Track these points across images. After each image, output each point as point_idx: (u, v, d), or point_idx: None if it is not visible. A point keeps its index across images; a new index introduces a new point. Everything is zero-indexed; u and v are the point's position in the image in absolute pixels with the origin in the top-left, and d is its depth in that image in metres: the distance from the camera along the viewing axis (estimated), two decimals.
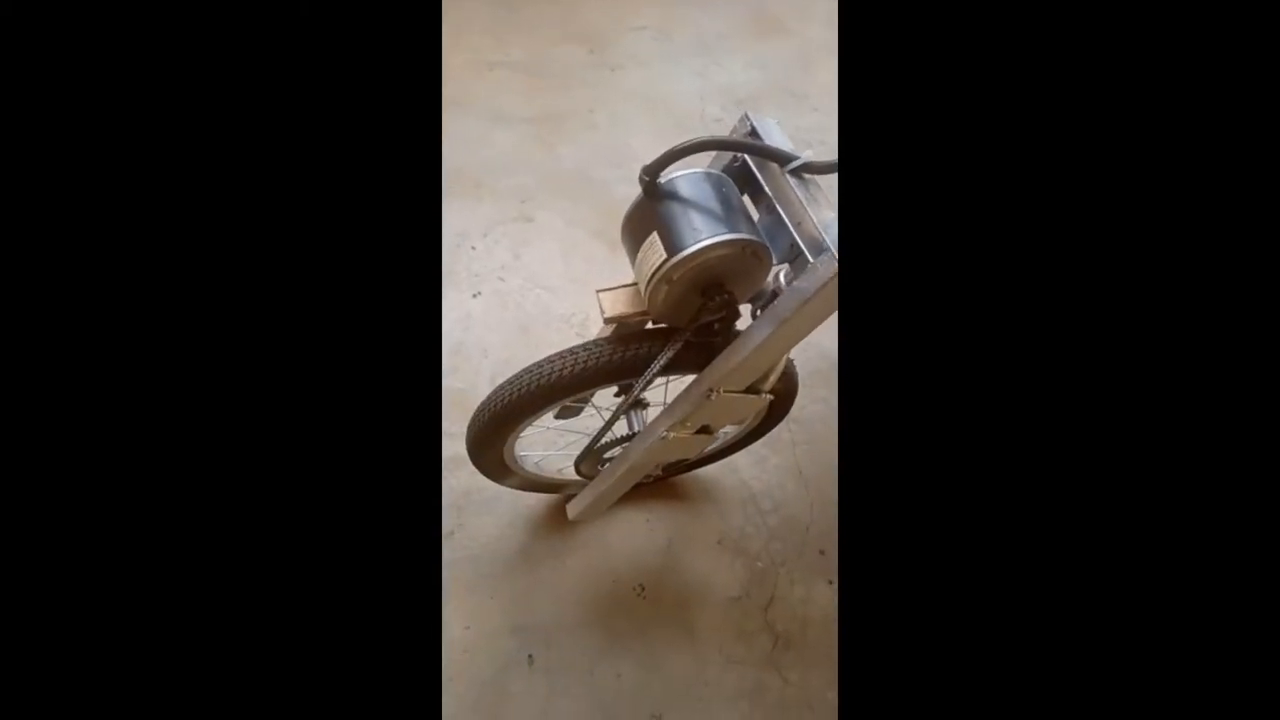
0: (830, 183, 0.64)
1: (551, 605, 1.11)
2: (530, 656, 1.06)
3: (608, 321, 0.73)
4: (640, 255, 0.65)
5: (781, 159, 0.62)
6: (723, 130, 1.88)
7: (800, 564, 1.19)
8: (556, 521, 1.18)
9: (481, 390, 1.32)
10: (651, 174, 0.63)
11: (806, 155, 0.62)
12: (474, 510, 1.17)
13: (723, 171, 0.69)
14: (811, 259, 0.60)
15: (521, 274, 1.49)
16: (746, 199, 0.70)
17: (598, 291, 0.75)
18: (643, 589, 1.14)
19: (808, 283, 0.59)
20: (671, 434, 0.77)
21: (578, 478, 1.07)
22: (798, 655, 1.11)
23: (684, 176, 0.64)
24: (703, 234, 0.61)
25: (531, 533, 1.18)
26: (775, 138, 0.66)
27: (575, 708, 1.03)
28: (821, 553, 1.21)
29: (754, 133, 0.67)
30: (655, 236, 0.63)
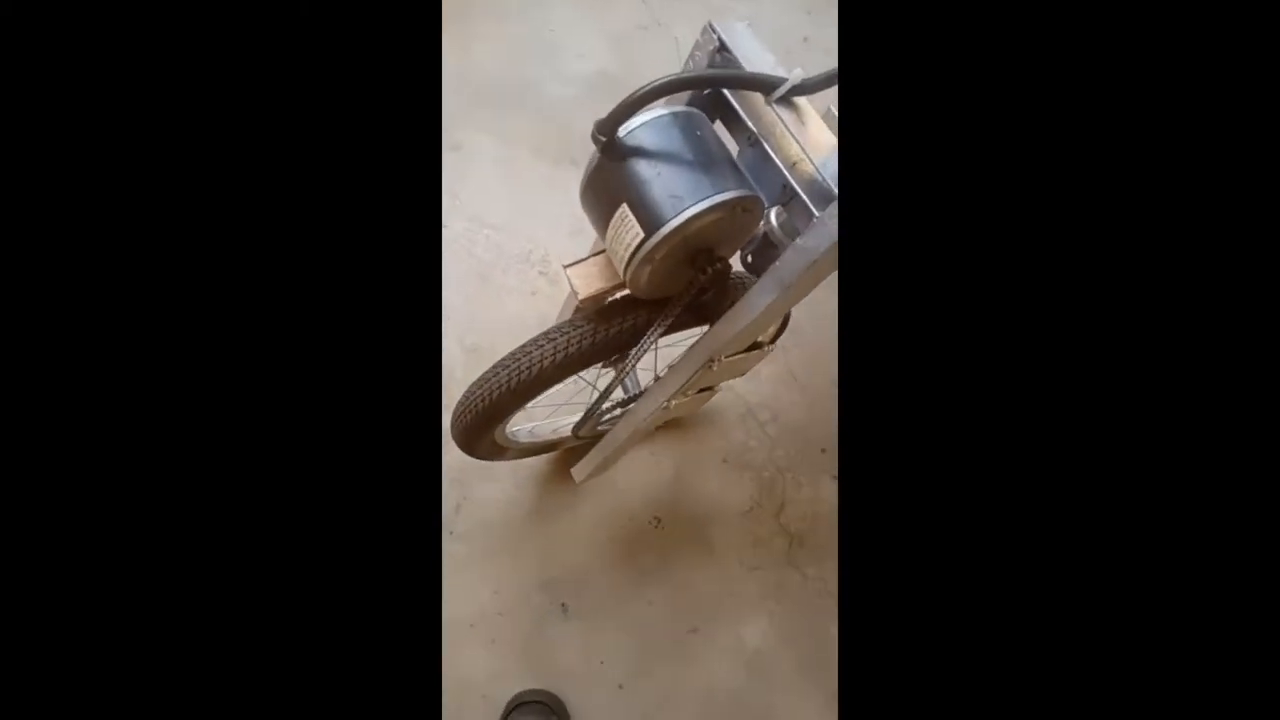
0: (823, 98, 0.53)
1: (573, 554, 1.12)
2: (564, 605, 1.09)
3: (583, 303, 0.64)
4: (611, 231, 0.55)
5: (766, 86, 0.51)
6: (677, 17, 1.64)
7: (805, 466, 1.22)
8: (561, 475, 1.16)
9: (456, 360, 1.24)
10: (608, 131, 0.51)
11: (795, 75, 0.50)
12: (476, 479, 1.15)
13: (689, 105, 0.57)
14: (815, 210, 0.51)
15: (463, 216, 1.34)
16: (720, 125, 0.58)
17: (565, 268, 0.65)
18: (659, 521, 1.16)
19: (815, 240, 0.50)
20: (674, 402, 0.72)
21: (570, 427, 1.04)
22: (812, 551, 1.16)
23: (648, 125, 0.53)
24: (685, 200, 0.51)
25: (539, 490, 1.16)
26: (750, 50, 0.54)
27: (615, 640, 1.08)
28: (823, 451, 1.23)
29: (723, 47, 0.54)
30: (626, 209, 0.53)
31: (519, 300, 1.27)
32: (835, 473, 1.22)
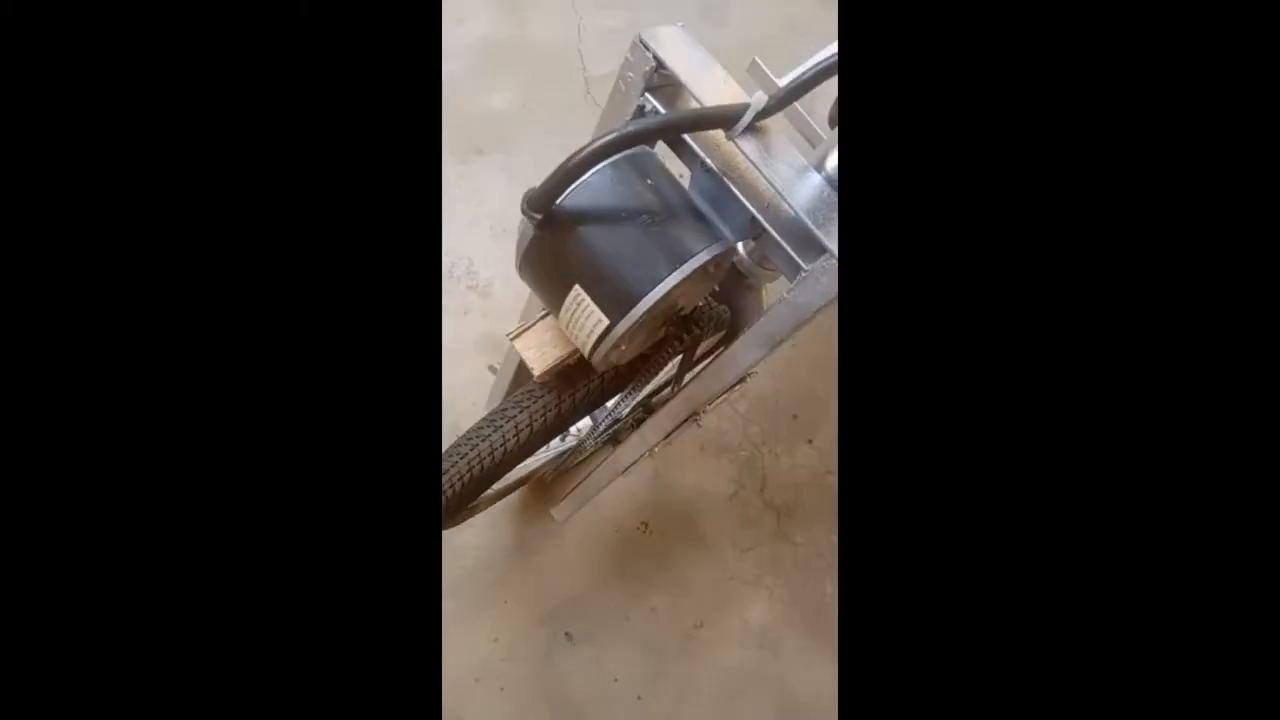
0: (782, 122, 0.44)
1: (566, 581, 1.08)
2: (567, 634, 1.06)
3: (541, 377, 0.55)
4: (566, 315, 0.46)
5: (728, 122, 0.41)
6: None
7: (779, 436, 1.20)
8: (534, 504, 1.09)
9: None
10: (542, 207, 0.41)
11: (758, 100, 0.41)
12: (447, 531, 1.06)
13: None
14: (797, 258, 0.44)
15: None
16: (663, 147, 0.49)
17: (511, 339, 0.55)
18: (646, 525, 1.12)
19: (808, 297, 0.43)
20: (658, 449, 0.65)
21: (540, 463, 0.96)
22: (799, 519, 1.16)
23: (589, 184, 0.42)
24: (654, 271, 0.42)
25: (515, 524, 1.09)
26: (693, 64, 0.43)
27: (625, 654, 1.06)
28: (795, 417, 1.21)
29: (660, 65, 0.43)
30: (579, 290, 0.44)
31: (452, 323, 1.15)
32: (810, 437, 1.21)
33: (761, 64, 1.10)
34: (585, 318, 0.44)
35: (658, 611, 1.09)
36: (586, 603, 1.07)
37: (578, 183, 0.42)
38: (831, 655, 1.09)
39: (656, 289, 0.42)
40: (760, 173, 0.43)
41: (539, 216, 0.41)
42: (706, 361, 0.58)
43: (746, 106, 0.41)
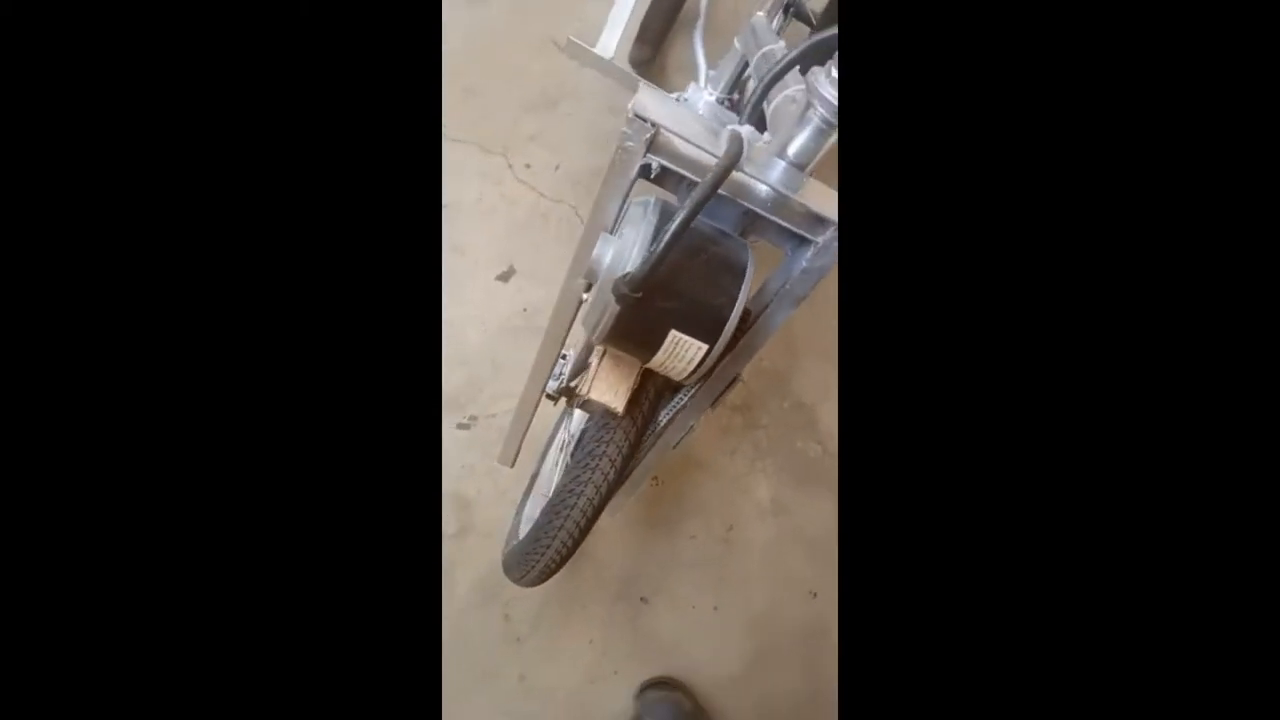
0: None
1: (616, 557, 1.18)
2: (642, 599, 1.18)
3: (626, 411, 0.62)
4: (663, 356, 0.53)
5: (738, 158, 0.49)
6: None
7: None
8: None
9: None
10: (639, 286, 0.47)
11: (749, 136, 0.49)
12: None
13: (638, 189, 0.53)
14: (814, 238, 0.55)
15: None
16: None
17: (587, 396, 0.61)
18: (656, 479, 1.25)
19: (824, 261, 0.55)
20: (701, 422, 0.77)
21: None
22: (757, 406, 1.36)
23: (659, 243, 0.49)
24: (730, 291, 0.51)
25: None
26: (670, 115, 0.50)
27: (690, 582, 1.22)
28: None
29: (657, 128, 0.49)
30: (675, 334, 0.52)
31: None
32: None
33: (577, 40, 1.14)
34: (684, 351, 0.53)
35: (696, 537, 1.25)
36: (641, 564, 1.19)
37: (626, 233, 0.49)
38: (825, 494, 1.35)
39: (738, 304, 0.51)
40: (761, 181, 0.53)
41: (638, 295, 0.47)
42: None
43: (740, 142, 0.50)
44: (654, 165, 0.52)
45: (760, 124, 0.66)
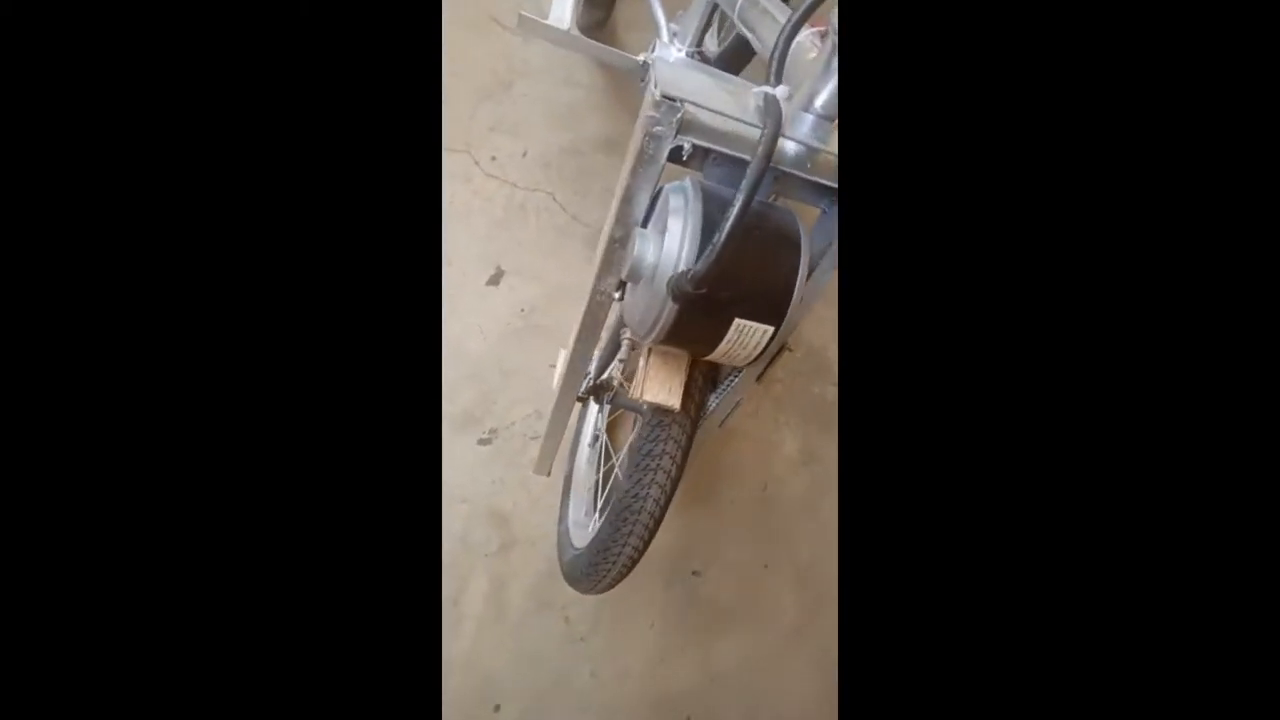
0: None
1: (661, 537, 1.18)
2: (694, 572, 1.18)
3: (684, 406, 0.60)
4: (726, 345, 0.51)
5: (780, 130, 0.45)
6: None
7: None
8: None
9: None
10: (704, 282, 0.44)
11: (782, 94, 0.45)
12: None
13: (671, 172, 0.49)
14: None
15: None
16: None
17: (646, 400, 0.58)
18: None
19: None
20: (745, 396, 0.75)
21: None
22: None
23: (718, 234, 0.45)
24: (789, 265, 0.49)
25: None
26: (697, 88, 0.46)
27: (739, 545, 1.22)
28: None
29: (685, 103, 0.45)
30: (739, 322, 0.49)
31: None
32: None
33: (530, 15, 1.07)
34: (748, 338, 0.50)
35: (735, 502, 1.25)
36: (687, 540, 1.19)
37: (674, 229, 0.46)
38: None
39: (799, 278, 0.49)
40: (792, 139, 0.49)
41: (703, 290, 0.44)
42: None
43: (778, 106, 0.46)
44: (686, 147, 0.48)
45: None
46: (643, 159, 0.48)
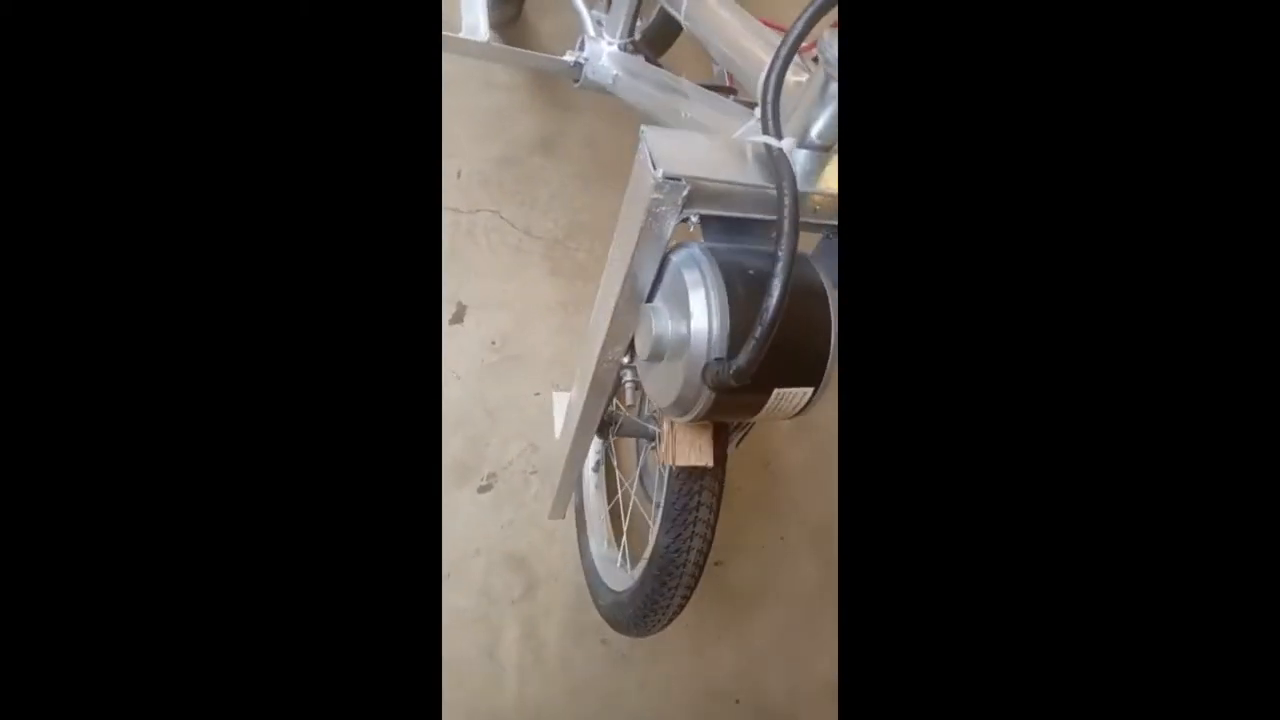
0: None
1: None
2: (716, 563, 1.20)
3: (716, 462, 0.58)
4: (765, 414, 0.48)
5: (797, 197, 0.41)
6: None
7: None
8: None
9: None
10: (748, 373, 0.41)
11: (788, 148, 0.41)
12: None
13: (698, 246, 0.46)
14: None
15: None
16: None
17: (675, 465, 0.56)
18: None
19: None
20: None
21: None
22: None
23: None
24: (822, 321, 0.46)
25: None
26: (705, 162, 0.42)
27: (756, 526, 1.24)
28: None
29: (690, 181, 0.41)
30: (778, 390, 0.46)
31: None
32: None
33: (445, 34, 0.96)
34: (788, 402, 0.47)
35: (741, 487, 1.26)
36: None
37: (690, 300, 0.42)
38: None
39: (833, 334, 0.46)
40: (818, 191, 0.46)
41: (747, 382, 0.41)
42: None
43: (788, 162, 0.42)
44: (693, 219, 0.44)
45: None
46: (644, 237, 0.44)
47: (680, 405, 0.47)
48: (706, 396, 0.44)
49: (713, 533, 0.65)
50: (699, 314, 0.44)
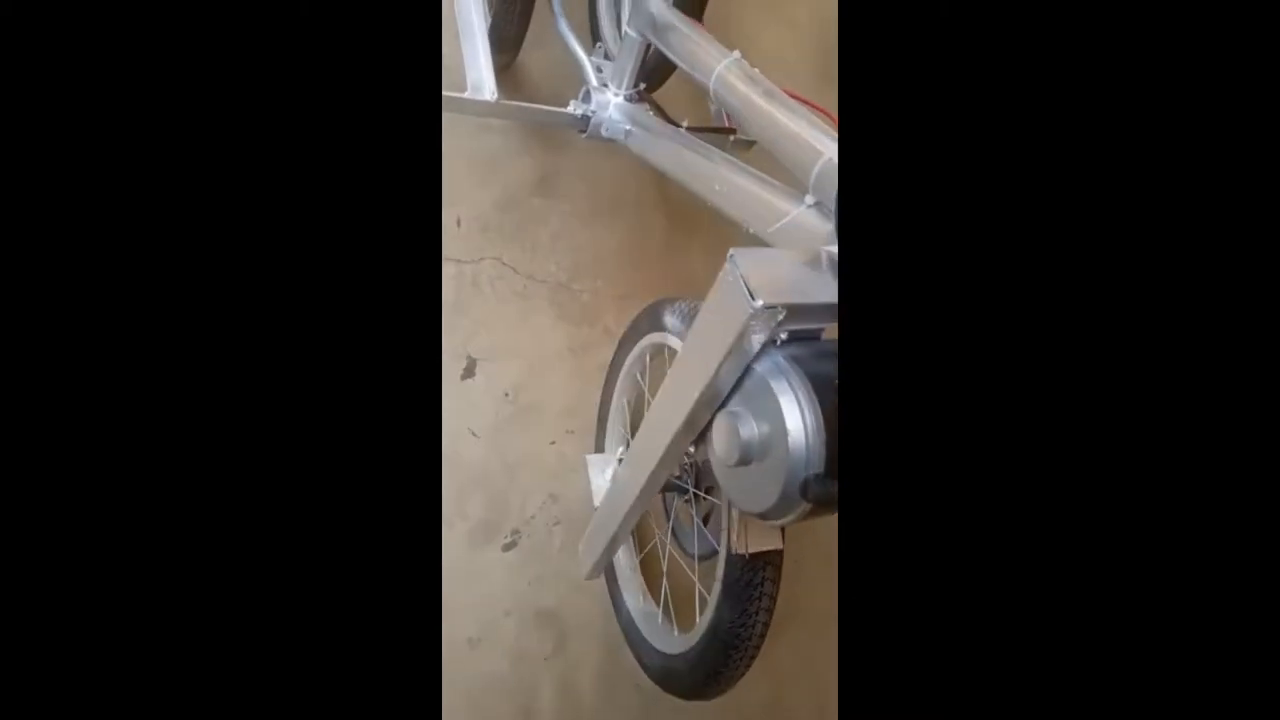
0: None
1: None
2: None
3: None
4: None
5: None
6: None
7: None
8: None
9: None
10: (824, 483, 0.41)
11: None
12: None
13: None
14: None
15: None
16: None
17: (749, 554, 0.56)
18: None
19: None
20: None
21: None
22: None
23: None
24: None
25: None
26: (800, 287, 0.42)
27: None
28: None
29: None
30: None
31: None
32: None
33: (452, 94, 0.93)
34: None
35: None
36: None
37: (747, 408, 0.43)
38: None
39: None
40: None
41: (832, 490, 0.41)
42: None
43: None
44: (782, 336, 0.44)
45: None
46: (735, 351, 0.44)
47: (774, 514, 0.47)
48: (802, 509, 0.44)
49: (774, 603, 0.65)
50: (795, 427, 0.44)
